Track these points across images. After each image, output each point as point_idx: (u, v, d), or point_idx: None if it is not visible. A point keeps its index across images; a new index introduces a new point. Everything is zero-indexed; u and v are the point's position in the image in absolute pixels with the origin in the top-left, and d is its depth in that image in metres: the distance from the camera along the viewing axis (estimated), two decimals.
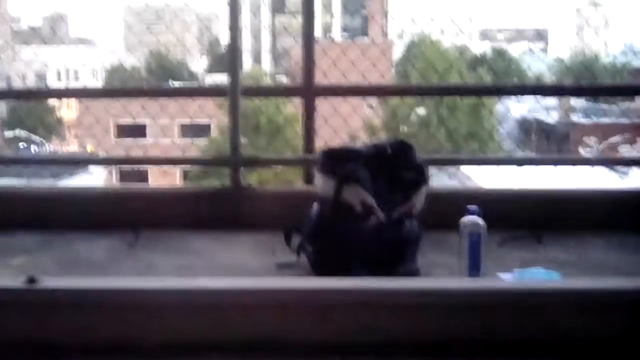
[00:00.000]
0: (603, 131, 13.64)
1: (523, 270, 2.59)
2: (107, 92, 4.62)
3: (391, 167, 2.70)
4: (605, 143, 13.34)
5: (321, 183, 2.71)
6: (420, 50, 14.43)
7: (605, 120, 13.71)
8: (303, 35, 3.50)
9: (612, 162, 6.44)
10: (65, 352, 2.09)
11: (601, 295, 2.19)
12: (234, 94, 3.37)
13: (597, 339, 2.12)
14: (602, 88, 4.78)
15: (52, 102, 14.42)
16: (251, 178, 4.05)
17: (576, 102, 13.89)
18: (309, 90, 3.50)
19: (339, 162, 2.69)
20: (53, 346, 2.11)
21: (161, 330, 2.15)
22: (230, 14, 3.39)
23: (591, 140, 13.86)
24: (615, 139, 13.20)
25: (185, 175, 12.05)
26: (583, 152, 13.54)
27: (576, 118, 14.38)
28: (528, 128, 15.31)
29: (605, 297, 2.19)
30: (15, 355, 2.08)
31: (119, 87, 7.87)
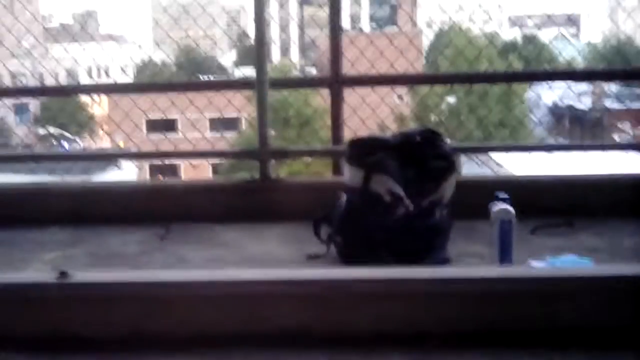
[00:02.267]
0: (637, 116, 13.43)
1: (556, 258, 2.57)
2: (137, 87, 4.66)
3: (420, 156, 2.68)
4: (639, 128, 13.12)
5: (349, 173, 2.71)
6: (449, 38, 14.32)
7: (639, 105, 13.49)
8: (330, 25, 3.49)
9: None
10: (96, 345, 2.11)
11: (634, 281, 2.16)
12: (261, 86, 3.37)
13: (630, 325, 2.09)
14: (635, 72, 4.69)
15: (83, 99, 14.56)
16: (281, 170, 4.06)
17: (609, 87, 13.67)
18: (336, 81, 3.49)
19: (366, 152, 2.68)
20: (84, 339, 2.13)
21: (192, 322, 2.16)
22: (256, 7, 3.39)
23: (625, 125, 13.64)
24: None
25: (216, 169, 12.10)
26: (616, 137, 13.34)
27: (609, 103, 14.17)
28: (560, 115, 15.12)
29: (638, 283, 2.16)
30: (47, 348, 2.11)
31: (148, 82, 7.93)
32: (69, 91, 6.04)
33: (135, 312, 2.17)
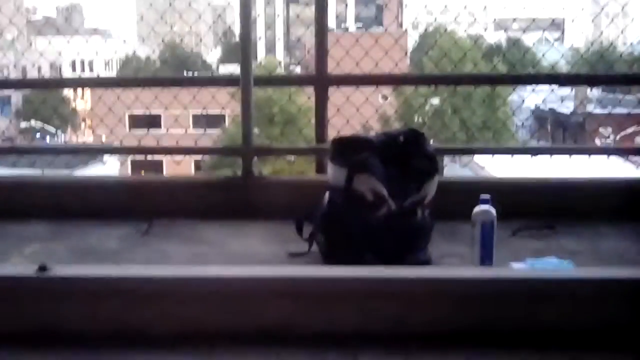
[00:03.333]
0: (619, 122, 13.53)
1: (536, 260, 2.58)
2: (120, 82, 4.63)
3: (403, 156, 2.69)
4: (621, 134, 13.23)
5: (332, 172, 2.71)
6: (434, 39, 14.37)
7: (621, 110, 13.58)
8: (316, 24, 3.49)
9: (626, 151, 6.39)
10: (77, 340, 2.10)
11: (614, 284, 2.18)
12: (246, 83, 3.36)
13: (610, 328, 2.11)
14: (618, 77, 4.73)
15: (67, 92, 14.47)
16: (265, 169, 4.05)
17: (592, 92, 13.76)
18: (321, 80, 3.49)
19: (350, 151, 2.68)
20: (64, 333, 2.12)
21: (172, 318, 2.16)
22: (242, 3, 3.39)
23: (607, 130, 13.75)
24: (631, 129, 13.09)
25: (199, 166, 12.07)
26: (598, 142, 13.44)
27: (591, 108, 14.26)
28: (543, 118, 15.21)
29: (618, 286, 2.18)
30: (25, 342, 2.10)
31: (132, 77, 7.90)
32: (52, 84, 5.99)
33: (116, 307, 2.16)
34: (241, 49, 3.42)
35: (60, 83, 6.16)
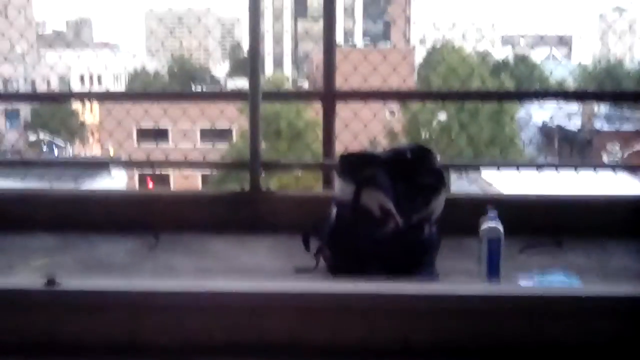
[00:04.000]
0: (626, 138, 13.51)
1: (543, 276, 2.58)
2: (129, 96, 4.66)
3: (410, 172, 2.69)
4: (629, 150, 13.21)
5: (340, 187, 2.71)
6: (442, 55, 14.40)
7: (628, 127, 13.59)
8: (324, 39, 3.51)
9: (634, 168, 6.38)
10: (84, 353, 2.10)
11: (621, 301, 2.18)
12: (254, 98, 3.38)
13: (617, 344, 2.10)
14: (625, 94, 4.74)
15: (75, 105, 14.54)
16: (271, 183, 4.06)
17: (599, 109, 13.77)
18: (329, 95, 3.51)
19: (358, 166, 2.69)
20: (72, 347, 2.12)
21: (179, 332, 2.16)
22: (251, 19, 3.41)
23: (614, 147, 13.73)
24: (638, 146, 13.07)
25: (206, 180, 12.09)
26: (605, 159, 13.42)
27: (599, 125, 14.27)
28: (550, 135, 15.21)
29: (625, 303, 2.17)
30: (34, 356, 2.10)
31: (140, 91, 7.94)
32: (61, 97, 6.03)
33: (124, 321, 2.17)
34: (249, 64, 3.44)
35: (69, 96, 6.19)
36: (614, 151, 13.54)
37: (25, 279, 2.59)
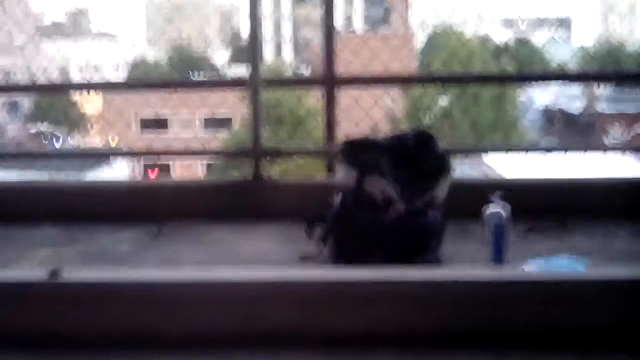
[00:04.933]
0: (629, 120, 13.48)
1: (549, 259, 2.57)
2: (130, 85, 4.65)
3: (413, 157, 2.68)
4: (631, 132, 13.18)
5: (342, 174, 2.70)
6: (442, 40, 14.34)
7: (630, 109, 13.54)
8: (323, 25, 3.49)
9: (636, 149, 6.36)
10: (88, 345, 2.10)
11: (627, 283, 2.17)
12: (254, 85, 3.36)
13: (622, 327, 2.10)
14: (627, 75, 4.71)
15: (76, 96, 14.51)
16: (273, 170, 4.05)
17: (601, 91, 13.72)
18: (329, 81, 3.49)
19: (360, 152, 2.68)
20: (76, 338, 2.12)
21: (184, 322, 2.16)
22: (250, 5, 3.39)
23: (616, 129, 13.70)
24: None
25: (208, 169, 12.09)
26: (608, 141, 13.38)
27: (601, 107, 14.22)
28: (552, 118, 15.17)
29: (630, 285, 2.17)
30: (38, 347, 2.10)
31: (141, 80, 7.93)
32: (61, 88, 6.01)
33: (128, 311, 2.16)
34: (249, 51, 3.42)
35: (69, 87, 6.17)
36: (616, 133, 13.51)
37: (28, 271, 2.59)
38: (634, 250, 2.83)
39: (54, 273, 2.17)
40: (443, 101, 13.13)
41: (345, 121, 3.86)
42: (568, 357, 2.05)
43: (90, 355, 2.09)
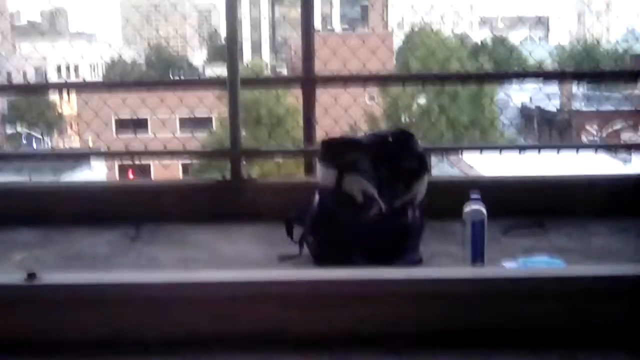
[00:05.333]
0: (605, 118, 13.60)
1: (527, 258, 2.58)
2: (107, 85, 4.60)
3: (392, 156, 2.68)
4: (608, 130, 13.29)
5: (322, 173, 2.70)
6: (420, 38, 14.38)
7: (607, 107, 13.67)
8: (302, 25, 3.48)
9: (614, 147, 6.42)
10: (66, 347, 2.08)
11: (605, 282, 2.18)
12: (233, 85, 3.35)
13: (602, 325, 2.11)
14: (603, 73, 4.76)
15: (53, 97, 14.40)
16: (253, 171, 4.04)
17: (577, 89, 13.83)
18: (308, 80, 3.48)
19: (339, 152, 2.68)
20: (53, 342, 2.10)
21: (163, 323, 2.14)
22: (228, 5, 3.37)
23: (593, 127, 13.81)
24: (617, 125, 13.16)
25: (186, 169, 12.02)
26: (585, 139, 13.49)
27: (578, 105, 14.33)
28: (529, 116, 15.27)
29: (609, 283, 2.18)
30: (15, 351, 2.07)
31: (118, 80, 7.88)
32: (37, 89, 5.96)
33: (106, 314, 2.14)
34: (227, 50, 3.41)
35: (45, 87, 6.11)
36: (593, 131, 13.62)
37: (6, 274, 2.55)
38: (611, 248, 2.85)
39: (31, 275, 2.14)
40: (421, 100, 13.17)
41: (324, 120, 3.86)
42: (550, 355, 2.06)
43: (70, 358, 2.07)
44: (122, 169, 12.14)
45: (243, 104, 3.47)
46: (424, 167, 2.71)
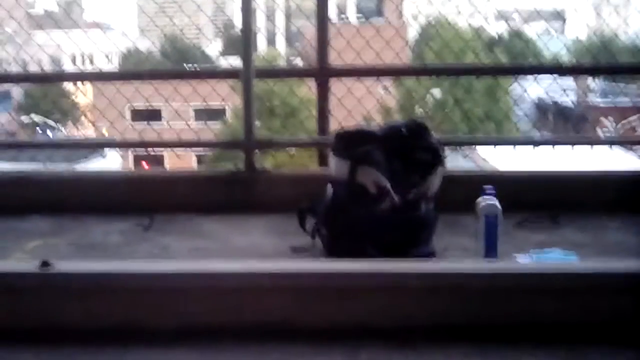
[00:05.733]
0: (621, 113, 13.48)
1: (540, 252, 2.57)
2: (121, 75, 4.61)
3: (406, 148, 2.67)
4: (624, 124, 13.18)
5: (335, 165, 2.69)
6: (436, 31, 14.31)
7: (623, 101, 13.56)
8: (317, 15, 3.47)
9: (629, 142, 6.36)
10: (78, 335, 2.09)
11: (618, 276, 2.17)
12: (247, 76, 3.34)
13: (614, 321, 2.10)
14: (620, 67, 4.71)
15: (67, 86, 14.43)
16: (267, 162, 4.04)
17: (594, 83, 13.72)
18: (322, 72, 3.47)
19: (353, 143, 2.67)
20: (67, 330, 2.11)
21: (175, 313, 2.15)
22: None
23: (609, 121, 13.70)
24: (633, 120, 13.04)
25: (200, 160, 12.04)
26: (600, 133, 13.39)
27: (594, 99, 14.21)
28: (545, 110, 15.16)
29: (623, 279, 2.17)
30: (28, 339, 2.09)
31: (133, 70, 7.88)
32: (53, 78, 5.97)
33: (118, 302, 2.15)
34: (242, 40, 3.40)
35: (61, 77, 6.12)
36: (609, 126, 13.52)
37: (19, 262, 2.57)
38: (624, 243, 2.83)
39: (45, 263, 2.15)
40: (436, 92, 13.11)
41: (338, 110, 3.85)
42: (559, 350, 2.06)
43: (82, 346, 2.09)
44: (137, 159, 12.17)
45: (257, 95, 3.47)
46: (438, 159, 2.70)
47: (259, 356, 2.06)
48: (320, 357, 2.05)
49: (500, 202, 2.53)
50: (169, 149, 4.38)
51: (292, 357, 2.05)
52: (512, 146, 3.65)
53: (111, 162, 11.34)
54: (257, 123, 3.54)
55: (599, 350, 2.05)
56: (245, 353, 2.07)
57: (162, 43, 17.85)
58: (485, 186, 2.55)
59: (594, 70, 4.89)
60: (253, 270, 2.23)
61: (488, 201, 2.53)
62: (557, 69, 4.30)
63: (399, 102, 12.67)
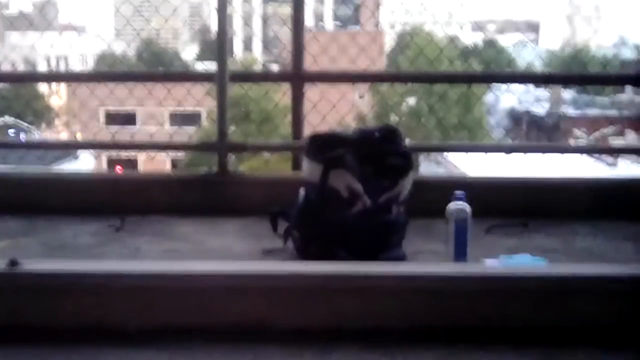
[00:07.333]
0: (592, 123, 13.65)
1: (509, 257, 2.60)
2: (95, 76, 4.59)
3: (378, 153, 2.68)
4: (595, 135, 13.35)
5: (308, 168, 2.70)
6: (411, 39, 14.40)
7: (594, 112, 13.75)
8: (292, 21, 3.48)
9: (599, 150, 6.45)
10: (47, 336, 2.08)
11: (586, 281, 2.20)
12: (221, 79, 3.35)
13: (582, 324, 2.13)
14: (592, 77, 4.79)
15: (41, 88, 14.33)
16: (241, 166, 4.04)
17: (566, 94, 13.89)
18: (297, 76, 3.49)
19: (325, 147, 2.68)
20: (34, 329, 2.10)
21: (144, 313, 2.14)
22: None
23: (581, 131, 13.86)
24: (605, 130, 13.21)
25: (175, 165, 11.99)
26: (572, 143, 13.53)
27: (566, 110, 14.39)
28: (518, 119, 15.32)
29: (590, 283, 2.20)
30: None
31: (107, 71, 7.84)
32: (26, 78, 5.92)
33: (88, 303, 2.14)
34: (217, 44, 3.41)
35: (34, 77, 6.07)
36: (580, 135, 13.68)
37: None
38: (593, 249, 2.87)
39: (13, 262, 2.14)
40: (411, 100, 13.18)
41: (312, 116, 3.86)
42: (531, 352, 2.08)
43: (50, 346, 2.07)
44: (110, 163, 12.09)
45: (232, 98, 3.47)
46: (409, 164, 2.72)
47: (230, 357, 2.06)
48: (292, 358, 2.06)
49: (471, 207, 2.56)
50: (142, 150, 4.37)
51: (263, 358, 2.06)
52: (483, 153, 3.69)
53: (84, 164, 11.26)
54: (232, 127, 3.54)
55: (569, 353, 2.08)
56: (216, 354, 2.07)
57: (138, 46, 17.77)
58: (456, 191, 2.58)
59: (566, 80, 4.95)
60: (224, 272, 2.23)
61: (458, 205, 2.55)
62: (530, 77, 4.37)
63: (374, 109, 12.72)
